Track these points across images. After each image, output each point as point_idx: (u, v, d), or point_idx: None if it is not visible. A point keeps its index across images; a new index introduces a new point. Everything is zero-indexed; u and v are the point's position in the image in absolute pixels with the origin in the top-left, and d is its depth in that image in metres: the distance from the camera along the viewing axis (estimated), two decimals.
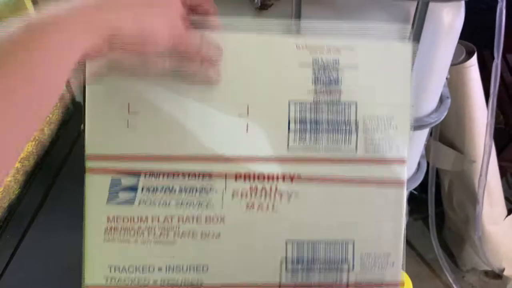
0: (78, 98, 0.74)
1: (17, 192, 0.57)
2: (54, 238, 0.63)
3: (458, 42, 0.64)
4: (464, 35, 0.64)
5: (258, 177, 0.39)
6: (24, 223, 0.58)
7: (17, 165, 0.57)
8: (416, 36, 0.59)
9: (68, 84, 0.68)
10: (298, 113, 0.38)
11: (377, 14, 0.59)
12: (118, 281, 0.39)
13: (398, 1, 0.55)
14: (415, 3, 0.57)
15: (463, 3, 0.60)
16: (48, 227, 0.62)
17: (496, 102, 0.79)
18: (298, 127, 0.38)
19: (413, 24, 0.59)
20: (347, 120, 0.38)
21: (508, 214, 1.13)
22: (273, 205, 0.39)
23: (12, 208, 0.57)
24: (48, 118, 0.63)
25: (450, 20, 0.60)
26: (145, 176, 0.38)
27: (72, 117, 0.70)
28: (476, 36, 0.85)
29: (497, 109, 1.23)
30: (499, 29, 0.63)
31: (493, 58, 0.71)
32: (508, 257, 1.12)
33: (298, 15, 0.60)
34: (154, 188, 0.38)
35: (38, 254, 0.60)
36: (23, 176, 0.58)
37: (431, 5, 0.57)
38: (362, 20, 0.60)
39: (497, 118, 1.27)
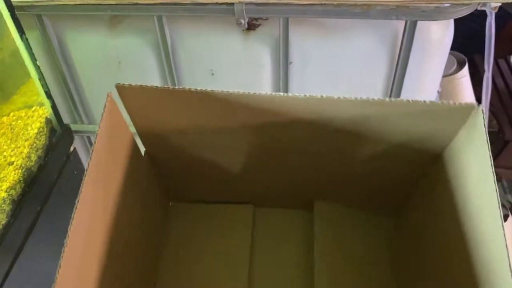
0: (66, 120, 0.73)
1: (4, 222, 0.56)
2: (43, 267, 0.62)
3: (449, 53, 0.64)
4: (454, 41, 0.63)
5: None
6: (12, 253, 0.57)
7: (3, 194, 0.56)
8: (406, 54, 0.59)
9: (54, 106, 0.67)
10: None
11: (365, 33, 0.59)
12: None
13: (387, 20, 0.55)
14: (403, 22, 0.56)
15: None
16: (37, 257, 0.61)
17: (489, 107, 0.79)
18: None
19: (402, 42, 0.58)
20: None
21: (504, 220, 1.13)
22: None
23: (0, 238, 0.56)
24: (34, 144, 0.62)
25: (439, 37, 0.59)
26: None
27: (60, 140, 0.68)
28: (466, 41, 0.85)
29: (490, 114, 1.23)
30: (489, 43, 0.62)
31: (484, 63, 0.70)
32: None
33: (286, 36, 0.59)
34: None
35: (27, 285, 0.59)
36: (9, 206, 0.57)
37: (420, 23, 0.56)
38: (350, 39, 0.59)
39: (490, 122, 1.27)
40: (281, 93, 0.40)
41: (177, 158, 0.52)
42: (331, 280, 0.53)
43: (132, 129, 0.48)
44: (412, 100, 0.39)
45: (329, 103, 0.40)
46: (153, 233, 0.57)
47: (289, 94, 0.40)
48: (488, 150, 0.37)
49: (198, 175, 0.56)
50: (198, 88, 0.40)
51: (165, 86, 0.41)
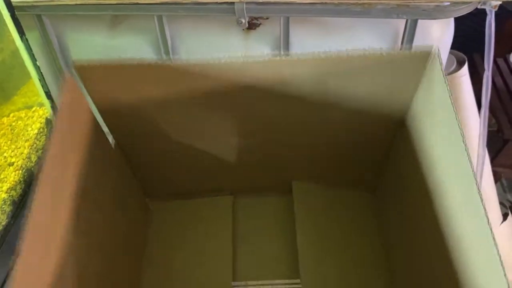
0: None
1: (4, 223, 0.56)
2: None
3: (449, 52, 0.64)
4: (453, 40, 0.63)
5: None
6: (13, 254, 0.57)
7: (4, 195, 0.56)
8: None
9: (55, 107, 0.67)
10: None
11: (366, 32, 0.59)
12: None
13: (387, 18, 0.55)
14: (404, 21, 0.56)
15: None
16: None
17: (488, 105, 0.79)
18: None
19: (402, 41, 0.58)
20: None
21: (504, 219, 1.13)
22: None
23: (0, 239, 0.56)
24: (35, 145, 0.62)
25: (439, 36, 0.59)
26: None
27: None
28: (465, 40, 0.84)
29: (489, 113, 1.24)
30: (489, 42, 0.62)
31: (483, 62, 0.70)
32: (505, 264, 1.12)
33: (286, 35, 0.59)
34: None
35: None
36: (10, 207, 0.57)
37: (420, 21, 0.56)
38: (351, 38, 0.59)
39: (489, 121, 1.27)
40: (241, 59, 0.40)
41: (148, 147, 0.51)
42: (315, 258, 0.53)
43: (105, 129, 0.47)
44: (370, 52, 0.39)
45: (289, 63, 0.40)
46: (134, 231, 0.56)
47: (249, 59, 0.40)
48: (450, 102, 0.37)
49: (172, 165, 0.55)
50: (159, 61, 0.39)
51: (127, 58, 0.38)
